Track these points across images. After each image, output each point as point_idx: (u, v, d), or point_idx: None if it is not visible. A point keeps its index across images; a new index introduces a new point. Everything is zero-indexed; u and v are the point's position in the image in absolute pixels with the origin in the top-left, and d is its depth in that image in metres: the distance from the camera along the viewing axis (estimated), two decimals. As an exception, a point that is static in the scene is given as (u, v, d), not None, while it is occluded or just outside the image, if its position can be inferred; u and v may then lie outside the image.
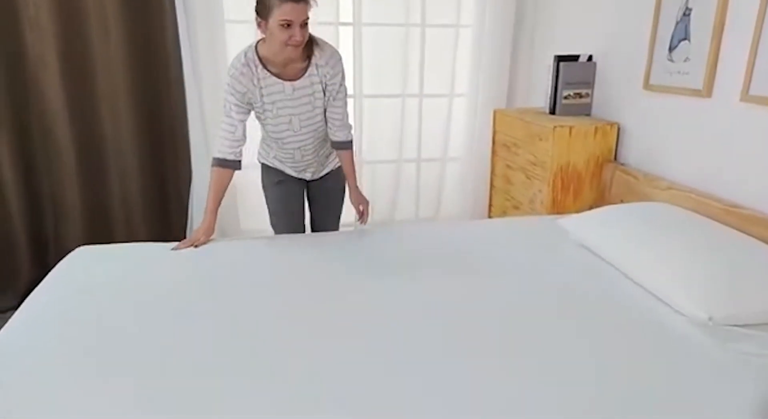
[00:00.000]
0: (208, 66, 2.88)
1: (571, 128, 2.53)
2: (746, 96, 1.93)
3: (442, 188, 3.56)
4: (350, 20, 3.07)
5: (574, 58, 2.74)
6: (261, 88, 2.03)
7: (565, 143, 2.54)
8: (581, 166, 2.59)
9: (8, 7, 2.55)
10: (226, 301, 1.68)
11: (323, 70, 2.05)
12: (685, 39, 2.17)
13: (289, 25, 1.86)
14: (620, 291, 1.75)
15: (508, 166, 3.01)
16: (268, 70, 2.02)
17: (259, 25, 1.93)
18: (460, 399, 1.23)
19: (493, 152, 3.18)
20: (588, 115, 2.79)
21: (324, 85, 2.08)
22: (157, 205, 2.98)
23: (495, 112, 3.14)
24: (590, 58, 2.74)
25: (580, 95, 2.77)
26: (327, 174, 2.38)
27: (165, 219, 3.01)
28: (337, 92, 2.11)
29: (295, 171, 2.31)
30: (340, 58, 2.09)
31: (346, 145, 2.22)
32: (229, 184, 2.16)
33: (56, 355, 1.40)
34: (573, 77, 2.73)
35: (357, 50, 3.13)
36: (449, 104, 3.39)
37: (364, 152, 3.35)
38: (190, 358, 1.38)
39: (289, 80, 2.04)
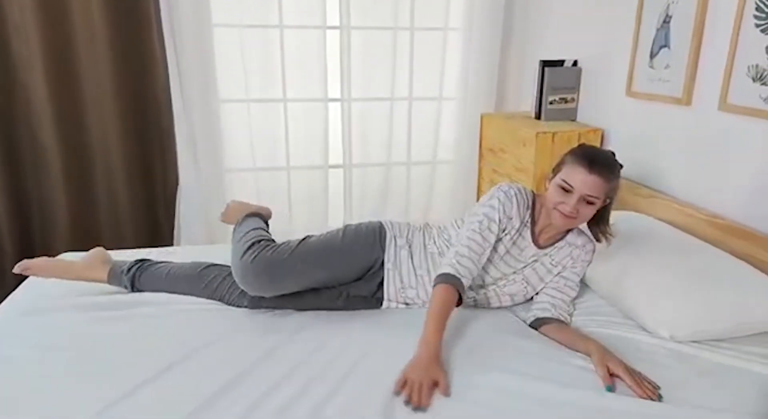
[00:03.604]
0: (195, 70, 2.87)
1: (554, 134, 2.51)
2: (725, 105, 1.91)
3: (432, 191, 3.54)
4: (337, 24, 3.06)
5: (560, 63, 2.71)
6: (511, 229, 1.70)
7: (548, 149, 2.52)
8: (565, 173, 2.57)
9: (-7, 11, 2.56)
10: (194, 322, 1.66)
11: (571, 251, 1.75)
12: (665, 46, 2.14)
13: (567, 191, 1.57)
14: (586, 304, 1.76)
15: (495, 171, 2.99)
16: (531, 220, 1.73)
17: (547, 178, 1.69)
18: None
19: (481, 157, 3.17)
20: (573, 119, 2.77)
21: (558, 270, 1.75)
22: (144, 209, 2.99)
23: (482, 117, 3.12)
24: (575, 63, 2.72)
25: (565, 100, 2.74)
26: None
27: (152, 223, 3.01)
28: (570, 279, 1.75)
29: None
30: (593, 251, 1.79)
31: (553, 321, 1.67)
32: None
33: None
34: (558, 82, 2.71)
35: (345, 54, 3.11)
36: (438, 107, 3.36)
37: (353, 156, 3.34)
38: (154, 377, 1.37)
39: (537, 245, 1.73)
